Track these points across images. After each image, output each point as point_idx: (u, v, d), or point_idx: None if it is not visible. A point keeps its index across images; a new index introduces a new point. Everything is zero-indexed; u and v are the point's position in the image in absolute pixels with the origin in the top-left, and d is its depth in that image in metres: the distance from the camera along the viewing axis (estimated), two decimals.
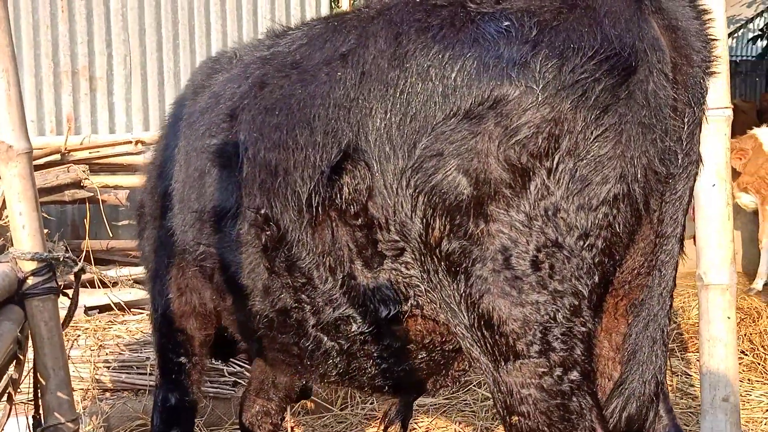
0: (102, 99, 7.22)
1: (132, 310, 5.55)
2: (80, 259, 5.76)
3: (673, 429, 1.99)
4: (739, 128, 6.37)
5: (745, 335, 5.28)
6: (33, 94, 7.04)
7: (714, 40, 1.85)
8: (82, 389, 4.27)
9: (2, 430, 2.25)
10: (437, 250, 1.81)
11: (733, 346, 2.89)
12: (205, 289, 2.48)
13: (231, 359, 3.87)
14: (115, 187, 6.23)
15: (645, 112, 1.72)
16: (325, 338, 2.15)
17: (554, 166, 1.69)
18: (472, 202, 1.74)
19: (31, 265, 2.44)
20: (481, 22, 1.77)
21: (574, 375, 1.76)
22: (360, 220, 1.93)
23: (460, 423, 4.19)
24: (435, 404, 4.37)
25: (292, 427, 4.06)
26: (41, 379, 2.49)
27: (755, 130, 7.45)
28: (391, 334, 2.07)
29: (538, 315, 1.73)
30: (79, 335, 4.81)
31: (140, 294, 5.65)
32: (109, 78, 7.22)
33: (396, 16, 1.92)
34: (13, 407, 2.46)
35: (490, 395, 4.30)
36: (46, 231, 2.89)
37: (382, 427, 2.96)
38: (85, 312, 5.39)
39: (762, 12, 14.76)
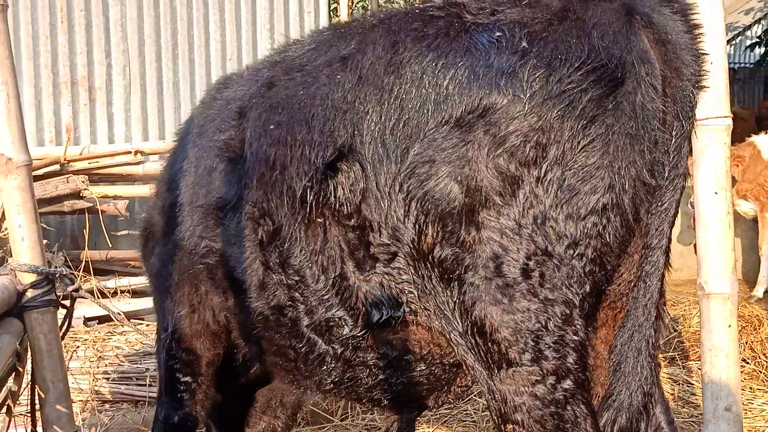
0: (101, 109, 7.23)
1: (131, 321, 5.53)
2: (80, 269, 5.78)
3: None
4: (737, 135, 6.36)
5: (746, 343, 5.26)
6: (32, 104, 7.05)
7: (704, 54, 1.86)
8: (82, 401, 4.25)
9: None
10: (430, 257, 1.82)
11: (735, 356, 2.87)
12: (213, 294, 2.47)
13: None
14: (115, 197, 6.23)
15: (633, 123, 1.73)
16: (319, 341, 2.15)
17: (542, 174, 1.71)
18: (463, 209, 1.76)
19: (31, 278, 2.43)
20: (474, 33, 1.81)
21: (568, 384, 1.76)
22: (353, 220, 1.95)
23: None
24: (436, 414, 4.35)
25: None
26: (40, 392, 2.48)
27: (754, 138, 7.46)
28: (385, 341, 2.07)
29: (529, 323, 1.74)
30: (78, 346, 4.80)
31: (140, 304, 5.65)
32: (109, 88, 7.23)
33: (395, 25, 1.96)
34: (12, 419, 2.45)
35: None
36: (45, 242, 2.89)
37: None
38: (84, 323, 5.38)
39: (760, 19, 14.84)
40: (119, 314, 4.44)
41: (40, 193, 5.42)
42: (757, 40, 14.87)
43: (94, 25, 7.18)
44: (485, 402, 4.33)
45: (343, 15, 6.64)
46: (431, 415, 4.33)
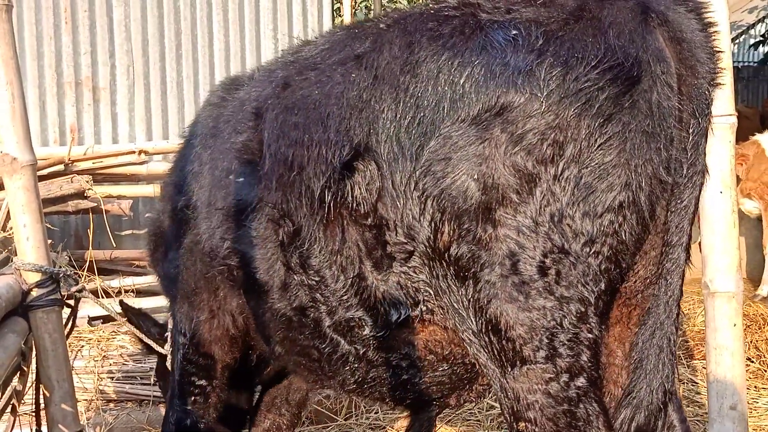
0: (105, 109, 7.23)
1: None
2: (84, 269, 5.78)
3: None
4: (741, 134, 6.35)
5: (750, 342, 5.25)
6: (36, 104, 7.06)
7: (719, 52, 1.87)
8: (86, 400, 4.26)
9: None
10: (446, 255, 1.83)
11: (740, 355, 2.87)
12: (232, 297, 2.47)
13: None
14: (119, 197, 6.24)
15: (649, 121, 1.74)
16: (342, 341, 2.16)
17: (559, 172, 1.72)
18: (480, 207, 1.76)
19: (35, 277, 2.44)
20: (490, 31, 1.81)
21: (581, 381, 1.76)
22: (369, 220, 1.96)
23: None
24: (440, 413, 4.35)
25: None
26: (45, 391, 2.49)
27: (758, 136, 7.44)
28: (405, 341, 2.08)
29: (544, 320, 1.75)
30: (82, 346, 4.81)
31: (144, 303, 5.65)
32: (113, 88, 7.24)
33: (410, 25, 1.97)
34: (17, 418, 2.45)
35: (495, 404, 4.28)
36: (49, 241, 2.89)
37: None
38: (89, 322, 5.38)
39: (763, 18, 14.79)
40: (120, 314, 4.43)
41: (44, 192, 5.43)
42: (761, 38, 14.80)
43: (98, 25, 7.19)
44: (489, 401, 4.33)
45: (346, 15, 6.63)
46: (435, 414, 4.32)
